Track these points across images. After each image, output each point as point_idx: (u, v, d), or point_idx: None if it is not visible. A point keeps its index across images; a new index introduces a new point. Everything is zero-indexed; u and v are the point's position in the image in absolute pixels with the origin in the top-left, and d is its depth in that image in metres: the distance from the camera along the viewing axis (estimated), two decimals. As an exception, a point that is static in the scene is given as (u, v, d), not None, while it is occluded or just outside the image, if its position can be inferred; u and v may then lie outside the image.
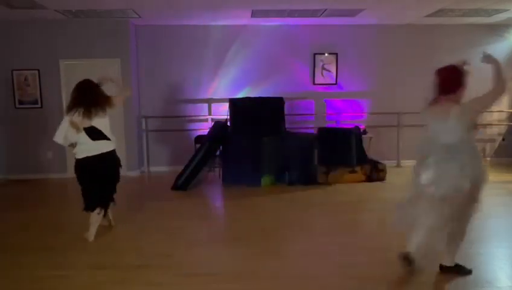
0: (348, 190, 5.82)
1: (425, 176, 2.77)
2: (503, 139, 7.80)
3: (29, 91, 6.81)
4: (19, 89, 6.79)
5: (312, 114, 7.54)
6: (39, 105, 6.84)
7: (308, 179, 6.07)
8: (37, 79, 6.78)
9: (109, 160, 3.92)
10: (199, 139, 6.80)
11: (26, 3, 5.67)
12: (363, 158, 6.46)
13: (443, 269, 3.07)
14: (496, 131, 7.84)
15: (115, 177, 4.04)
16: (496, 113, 7.76)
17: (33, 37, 6.71)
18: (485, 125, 7.78)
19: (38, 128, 6.85)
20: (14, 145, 6.88)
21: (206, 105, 7.41)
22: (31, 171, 6.91)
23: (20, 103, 6.83)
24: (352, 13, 6.50)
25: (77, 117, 3.76)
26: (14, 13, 6.16)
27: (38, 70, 6.77)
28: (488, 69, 2.91)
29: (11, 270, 3.25)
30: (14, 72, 6.74)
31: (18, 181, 6.72)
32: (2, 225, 4.48)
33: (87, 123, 3.79)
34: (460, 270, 3.05)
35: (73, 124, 3.79)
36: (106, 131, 3.94)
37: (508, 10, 6.33)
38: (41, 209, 5.13)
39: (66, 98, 6.85)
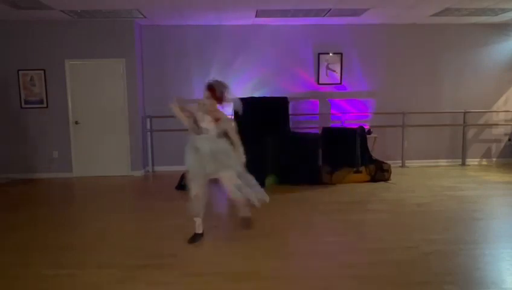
0: (352, 190, 5.80)
1: None
2: (510, 140, 7.74)
3: (34, 91, 6.85)
4: (25, 89, 6.84)
5: (316, 114, 7.53)
6: (45, 105, 6.88)
7: (313, 179, 6.06)
8: (43, 79, 6.82)
9: None
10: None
11: (32, 4, 5.71)
12: (367, 158, 6.44)
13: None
14: (502, 131, 7.78)
15: None
16: (502, 113, 7.71)
17: (39, 37, 6.75)
18: (491, 125, 7.74)
19: (44, 128, 6.91)
20: (19, 145, 6.92)
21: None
22: (37, 171, 6.95)
23: (26, 102, 6.87)
24: (356, 13, 6.47)
25: None
26: (20, 14, 6.21)
27: (44, 70, 6.81)
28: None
29: (17, 269, 3.28)
30: (20, 72, 6.79)
31: (24, 180, 6.77)
32: (8, 224, 4.52)
33: None
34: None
35: None
36: None
37: (514, 9, 6.29)
38: (47, 208, 5.15)
39: (71, 98, 6.92)
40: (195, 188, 3.72)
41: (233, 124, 3.93)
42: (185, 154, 3.78)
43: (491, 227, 4.17)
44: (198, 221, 3.83)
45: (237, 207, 3.92)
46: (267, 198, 3.83)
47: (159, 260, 3.38)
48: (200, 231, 3.85)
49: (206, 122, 3.69)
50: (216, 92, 3.67)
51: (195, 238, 3.80)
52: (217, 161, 3.67)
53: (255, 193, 3.79)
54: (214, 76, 7.32)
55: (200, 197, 3.74)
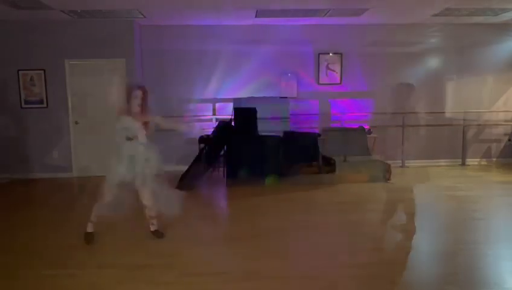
0: (352, 190, 5.80)
1: None
2: (510, 140, 7.74)
3: (34, 91, 6.85)
4: (25, 89, 6.83)
5: (317, 114, 7.52)
6: (45, 105, 6.88)
7: (313, 179, 6.06)
8: (43, 79, 6.81)
9: None
10: (203, 139, 6.80)
11: (32, 4, 5.71)
12: (367, 158, 6.45)
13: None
14: (502, 131, 7.78)
15: None
16: (502, 113, 7.70)
17: (39, 37, 6.74)
18: (491, 125, 7.74)
19: (44, 128, 6.90)
20: (19, 145, 6.91)
21: (210, 105, 7.42)
22: (37, 171, 6.95)
23: (26, 102, 6.87)
24: (356, 13, 6.47)
25: None
26: (21, 14, 6.20)
27: (44, 70, 6.81)
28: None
29: (18, 270, 3.27)
30: (20, 72, 6.78)
31: (24, 180, 6.76)
32: (9, 225, 4.51)
33: None
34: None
35: None
36: None
37: (514, 9, 6.29)
38: (47, 208, 5.15)
39: (71, 98, 6.91)
40: (110, 195, 3.64)
41: (158, 117, 3.85)
42: (111, 159, 3.71)
43: (491, 227, 4.17)
44: (94, 221, 3.79)
45: (149, 220, 3.90)
46: (173, 212, 3.71)
47: (161, 260, 3.38)
48: (92, 230, 3.80)
49: (136, 129, 3.63)
50: (147, 93, 3.60)
51: (89, 237, 3.77)
52: (139, 174, 3.62)
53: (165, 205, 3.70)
54: (214, 76, 7.37)
55: (110, 204, 3.65)
